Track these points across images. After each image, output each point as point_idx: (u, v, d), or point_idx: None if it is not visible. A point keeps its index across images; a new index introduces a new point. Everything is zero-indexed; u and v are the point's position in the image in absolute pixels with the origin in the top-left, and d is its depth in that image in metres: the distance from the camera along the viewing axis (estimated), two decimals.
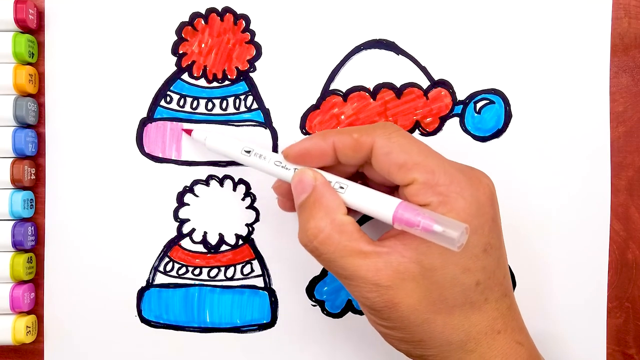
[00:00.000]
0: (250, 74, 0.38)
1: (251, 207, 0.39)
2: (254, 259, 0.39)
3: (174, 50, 0.38)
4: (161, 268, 0.39)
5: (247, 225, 0.39)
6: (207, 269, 0.39)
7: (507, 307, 0.31)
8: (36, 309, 0.39)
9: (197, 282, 0.39)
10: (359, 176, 0.35)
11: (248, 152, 0.34)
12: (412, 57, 0.38)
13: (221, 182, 0.39)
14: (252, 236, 0.39)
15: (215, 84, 0.38)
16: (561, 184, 0.38)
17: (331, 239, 0.29)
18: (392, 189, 0.34)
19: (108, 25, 0.38)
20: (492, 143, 0.38)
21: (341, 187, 0.31)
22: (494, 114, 0.38)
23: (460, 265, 0.29)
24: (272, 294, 0.39)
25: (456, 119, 0.38)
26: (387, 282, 0.29)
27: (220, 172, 0.38)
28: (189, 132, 0.37)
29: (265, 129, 0.38)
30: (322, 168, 0.32)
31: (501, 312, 0.30)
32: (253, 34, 0.38)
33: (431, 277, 0.29)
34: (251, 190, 0.38)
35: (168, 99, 0.38)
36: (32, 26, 0.37)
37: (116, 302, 0.39)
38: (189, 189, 0.39)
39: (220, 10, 0.38)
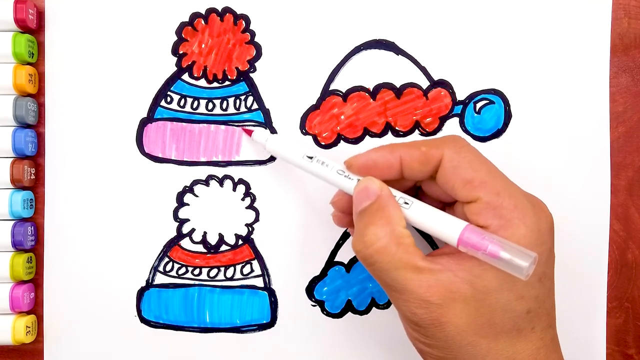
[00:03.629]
0: (251, 74, 0.38)
1: (251, 207, 0.39)
2: (253, 259, 0.39)
3: (174, 51, 0.38)
4: (161, 268, 0.39)
5: (247, 225, 0.39)
6: (207, 269, 0.39)
7: (550, 338, 0.30)
8: (36, 309, 0.39)
9: (196, 282, 0.39)
10: (412, 191, 0.34)
11: (310, 158, 0.33)
12: (412, 57, 0.38)
13: (221, 182, 0.39)
14: (252, 236, 0.39)
15: (215, 84, 0.38)
16: (561, 184, 0.38)
17: (388, 248, 0.29)
18: (445, 206, 0.33)
19: (108, 25, 0.38)
20: (492, 143, 0.38)
21: (406, 203, 0.30)
22: (494, 114, 0.38)
23: (515, 292, 0.28)
24: (271, 294, 0.39)
25: (456, 119, 0.38)
26: (438, 299, 0.28)
27: (220, 172, 0.39)
28: (249, 132, 0.37)
29: (265, 129, 0.38)
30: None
31: (545, 342, 0.30)
32: (253, 34, 0.38)
33: (483, 300, 0.28)
34: (251, 190, 0.38)
35: (168, 99, 0.38)
36: (32, 26, 0.37)
37: (116, 302, 0.38)
38: (189, 189, 0.39)
39: (220, 11, 0.38)
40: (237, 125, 0.38)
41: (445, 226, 0.29)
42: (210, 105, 0.38)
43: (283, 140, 0.35)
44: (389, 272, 0.29)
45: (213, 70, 0.38)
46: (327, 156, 0.38)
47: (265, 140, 0.36)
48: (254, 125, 0.38)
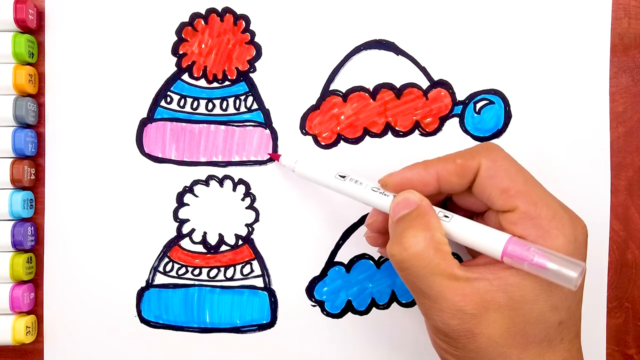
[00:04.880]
0: (251, 75, 0.38)
1: (251, 207, 0.39)
2: (253, 259, 0.39)
3: (174, 51, 0.38)
4: (161, 268, 0.39)
5: (246, 225, 0.39)
6: (207, 269, 0.39)
7: (577, 349, 0.30)
8: (36, 309, 0.39)
9: (196, 283, 0.39)
10: (441, 204, 0.34)
11: (343, 177, 0.33)
12: (412, 57, 0.38)
13: (221, 182, 0.39)
14: (252, 236, 0.39)
15: (215, 84, 0.38)
16: (561, 184, 0.38)
17: (425, 253, 0.28)
18: (473, 215, 0.33)
19: (108, 26, 0.38)
20: None
21: (446, 217, 0.30)
22: (494, 114, 0.38)
23: (550, 302, 0.28)
24: (271, 294, 0.39)
25: (456, 119, 0.38)
26: (473, 309, 0.28)
27: (220, 172, 0.38)
28: (276, 157, 0.37)
29: (265, 129, 0.38)
30: None
31: (572, 353, 0.30)
32: (253, 34, 0.38)
33: (518, 309, 0.28)
34: (251, 191, 0.38)
35: (168, 99, 0.38)
36: (32, 26, 0.37)
37: (116, 302, 0.38)
38: (189, 189, 0.39)
39: (220, 11, 0.38)
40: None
41: (488, 239, 0.29)
42: (210, 106, 0.38)
43: (312, 164, 0.35)
44: (425, 278, 0.28)
45: (213, 70, 0.38)
46: (326, 157, 0.38)
47: (294, 163, 0.36)
48: (252, 126, 0.38)
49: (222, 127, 0.38)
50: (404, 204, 0.30)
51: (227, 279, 0.39)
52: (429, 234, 0.29)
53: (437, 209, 0.31)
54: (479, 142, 0.38)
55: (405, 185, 0.31)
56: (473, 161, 0.30)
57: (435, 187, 0.31)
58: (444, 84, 0.38)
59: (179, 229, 0.39)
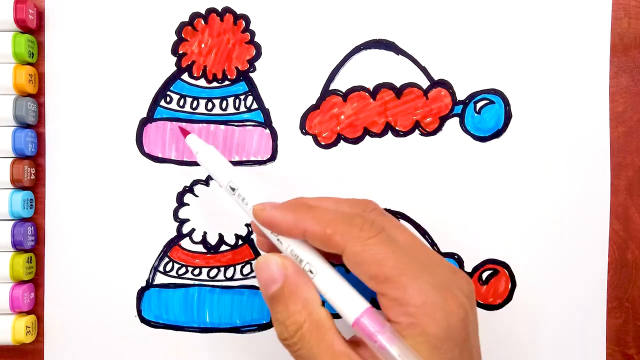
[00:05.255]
0: (250, 74, 0.38)
1: None
2: (253, 259, 0.39)
3: (174, 51, 0.38)
4: (161, 268, 0.39)
5: (246, 225, 0.39)
6: (207, 269, 0.39)
7: None
8: (36, 309, 0.39)
9: (196, 282, 0.39)
10: None
11: (233, 189, 0.32)
12: (412, 57, 0.38)
13: None
14: (252, 236, 0.39)
15: (215, 84, 0.38)
16: (561, 184, 0.38)
17: (310, 334, 0.28)
18: None
19: (108, 26, 0.38)
20: (492, 143, 0.38)
21: (310, 272, 0.29)
22: (494, 114, 0.38)
23: None
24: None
25: (456, 119, 0.38)
26: None
27: None
28: (185, 133, 0.35)
29: (265, 129, 0.38)
30: None
31: None
32: (253, 34, 0.38)
33: None
34: None
35: (168, 99, 0.38)
36: (32, 26, 0.37)
37: (116, 302, 0.39)
38: (189, 189, 0.39)
39: (220, 11, 0.38)
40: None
41: (345, 304, 0.28)
42: (210, 105, 0.38)
43: (213, 159, 0.34)
44: (313, 357, 0.28)
45: (213, 70, 0.38)
46: (326, 157, 0.38)
47: (196, 152, 0.34)
48: (251, 124, 0.38)
49: (222, 126, 0.38)
50: (270, 278, 0.29)
51: (227, 279, 0.39)
52: (307, 312, 0.28)
53: (306, 258, 0.29)
54: (479, 142, 0.38)
55: (272, 227, 0.30)
56: (341, 239, 0.28)
57: (303, 238, 0.30)
58: (444, 84, 0.38)
59: (179, 229, 0.39)
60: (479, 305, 0.39)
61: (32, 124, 0.38)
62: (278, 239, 0.30)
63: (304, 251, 0.30)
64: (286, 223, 0.29)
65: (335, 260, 0.30)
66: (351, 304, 0.28)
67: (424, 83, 0.38)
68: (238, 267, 0.39)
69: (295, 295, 0.29)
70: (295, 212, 0.30)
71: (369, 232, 0.28)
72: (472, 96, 0.38)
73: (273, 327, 0.38)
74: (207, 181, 0.39)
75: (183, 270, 0.39)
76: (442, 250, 0.39)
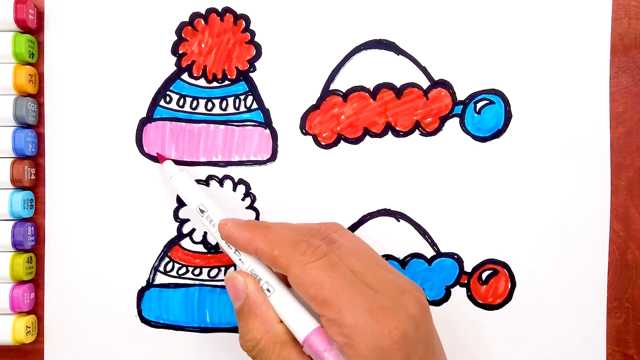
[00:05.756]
0: (250, 74, 0.38)
1: (251, 207, 0.39)
2: None
3: (174, 50, 0.38)
4: (161, 268, 0.39)
5: None
6: (207, 269, 0.39)
7: None
8: (36, 309, 0.39)
9: (197, 282, 0.39)
10: None
11: (202, 211, 0.34)
12: (412, 57, 0.38)
13: (221, 182, 0.39)
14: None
15: (215, 84, 0.38)
16: (561, 184, 0.38)
17: (267, 348, 0.31)
18: None
19: (108, 25, 0.38)
20: (492, 143, 0.38)
21: (268, 290, 0.32)
22: (494, 114, 0.38)
23: None
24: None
25: (456, 119, 0.38)
26: None
27: (220, 172, 0.38)
28: (162, 159, 0.37)
29: (265, 129, 0.38)
30: None
31: None
32: (253, 34, 0.38)
33: None
34: (251, 190, 0.38)
35: (168, 98, 0.38)
36: (32, 26, 0.37)
37: (116, 302, 0.39)
38: None
39: (220, 11, 0.38)
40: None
41: (297, 323, 0.30)
42: (210, 105, 0.38)
43: (187, 182, 0.36)
44: None
45: (213, 70, 0.38)
46: (326, 157, 0.38)
47: (170, 176, 0.36)
48: (251, 124, 0.38)
49: (222, 126, 0.38)
50: (234, 293, 0.32)
51: None
52: (264, 329, 0.31)
53: (265, 277, 0.32)
54: (479, 143, 0.38)
55: (231, 243, 0.33)
56: (285, 261, 0.30)
57: (256, 256, 0.32)
58: (444, 84, 0.38)
59: (179, 229, 0.39)
60: (479, 305, 0.39)
61: (32, 124, 0.38)
62: (240, 259, 0.33)
63: (263, 270, 0.32)
64: (242, 240, 0.32)
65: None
66: (302, 323, 0.30)
67: (424, 83, 0.38)
68: None
69: (253, 313, 0.31)
70: (251, 231, 0.32)
71: (310, 257, 0.30)
72: (472, 96, 0.38)
73: None
74: (207, 181, 0.39)
75: (183, 270, 0.39)
76: (442, 250, 0.39)
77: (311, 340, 0.30)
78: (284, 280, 0.32)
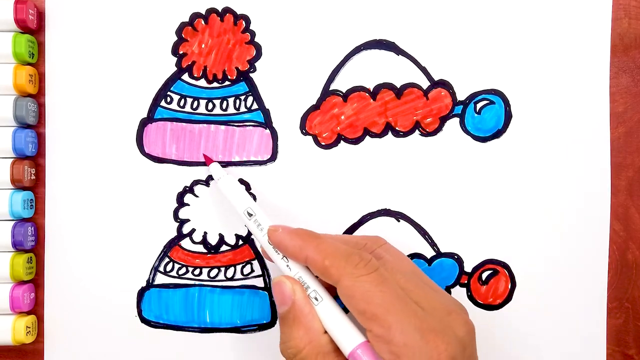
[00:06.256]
0: (251, 75, 0.38)
1: None
2: (254, 259, 0.39)
3: (174, 51, 0.38)
4: (161, 268, 0.39)
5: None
6: (207, 269, 0.39)
7: None
8: (36, 309, 0.39)
9: (197, 282, 0.39)
10: None
11: (250, 215, 0.34)
12: (412, 57, 0.38)
13: None
14: (252, 237, 0.39)
15: (215, 84, 0.38)
16: (561, 184, 0.38)
17: (309, 358, 0.30)
18: None
19: (108, 26, 0.38)
20: (492, 143, 0.38)
21: (316, 299, 0.31)
22: (494, 114, 0.38)
23: None
24: (272, 294, 0.39)
25: (456, 119, 0.38)
26: None
27: None
28: (209, 161, 0.37)
29: (265, 129, 0.38)
30: None
31: None
32: (253, 34, 0.38)
33: None
34: (251, 191, 0.38)
35: (168, 99, 0.38)
36: (32, 26, 0.37)
37: (116, 302, 0.39)
38: (189, 189, 0.39)
39: (220, 11, 0.38)
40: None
41: (343, 336, 0.30)
42: (210, 106, 0.38)
43: (233, 186, 0.35)
44: None
45: (213, 70, 0.38)
46: (326, 157, 0.38)
47: (218, 178, 0.36)
48: (251, 124, 0.38)
49: (222, 127, 0.38)
50: (281, 298, 0.32)
51: (228, 279, 0.39)
52: (308, 339, 0.30)
53: (312, 286, 0.32)
54: (479, 143, 0.38)
55: (281, 250, 0.33)
56: (336, 272, 0.30)
57: (305, 265, 0.32)
58: (444, 84, 0.38)
59: (179, 229, 0.39)
60: (479, 305, 0.39)
61: (32, 124, 0.38)
62: (287, 266, 0.32)
63: (311, 279, 0.32)
64: (292, 247, 0.32)
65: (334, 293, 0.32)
66: (349, 336, 0.30)
67: (424, 83, 0.38)
68: (238, 267, 0.39)
69: (298, 321, 0.31)
70: (302, 239, 0.32)
71: (362, 270, 0.30)
72: (472, 96, 0.38)
73: (273, 327, 0.39)
74: (207, 181, 0.39)
75: (183, 270, 0.39)
76: (442, 251, 0.39)
77: (357, 355, 0.29)
78: (330, 291, 0.32)
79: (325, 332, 0.31)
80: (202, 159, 0.38)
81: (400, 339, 0.28)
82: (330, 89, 0.38)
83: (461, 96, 0.38)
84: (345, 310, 0.31)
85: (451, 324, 0.30)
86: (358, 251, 0.31)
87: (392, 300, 0.29)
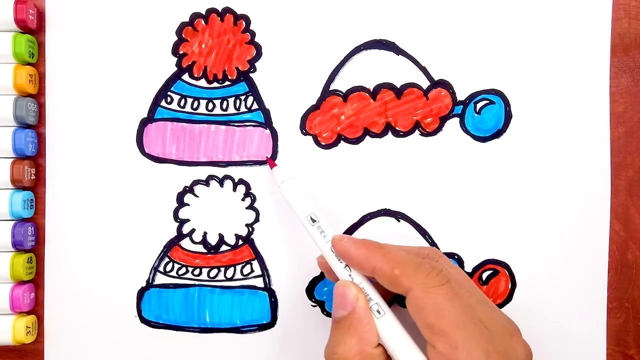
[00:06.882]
0: (251, 75, 0.38)
1: (251, 207, 0.39)
2: (253, 259, 0.39)
3: (175, 51, 0.38)
4: (161, 268, 0.39)
5: (247, 225, 0.39)
6: (207, 269, 0.39)
7: None
8: (36, 309, 0.39)
9: (197, 283, 0.39)
10: None
11: (314, 221, 0.34)
12: (412, 57, 0.38)
13: (221, 182, 0.39)
14: (252, 236, 0.39)
15: (215, 84, 0.39)
16: (561, 184, 0.38)
17: None
18: None
19: (108, 26, 0.38)
20: (492, 143, 0.38)
21: (378, 312, 0.31)
22: (494, 114, 0.38)
23: None
24: (271, 294, 0.39)
25: (456, 119, 0.38)
26: None
27: (220, 172, 0.39)
28: (272, 164, 0.37)
29: (266, 129, 0.38)
30: None
31: None
32: (253, 34, 0.38)
33: None
34: (251, 191, 0.39)
35: (168, 99, 0.38)
36: (32, 26, 0.37)
37: (116, 302, 0.39)
38: (189, 189, 0.39)
39: (220, 11, 0.38)
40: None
41: (404, 353, 0.29)
42: (211, 106, 0.38)
43: (296, 190, 0.35)
44: None
45: (213, 70, 0.38)
46: (326, 157, 0.38)
47: (282, 181, 0.36)
48: (251, 124, 0.38)
49: (223, 127, 0.38)
50: (342, 301, 0.31)
51: (227, 279, 0.39)
52: (359, 349, 0.30)
53: (375, 299, 0.31)
54: (479, 143, 0.38)
55: (345, 259, 0.32)
56: (407, 281, 0.29)
57: (372, 275, 0.31)
58: (444, 84, 0.38)
59: (179, 229, 0.39)
60: None
61: (32, 124, 0.38)
62: (350, 275, 0.32)
63: (373, 291, 0.31)
64: (358, 257, 0.31)
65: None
66: (410, 354, 0.29)
67: (424, 83, 0.38)
68: (238, 267, 0.39)
69: (354, 329, 0.30)
70: (369, 249, 0.31)
71: (435, 281, 0.29)
72: (472, 96, 0.38)
73: (272, 328, 0.39)
74: (207, 181, 0.39)
75: (183, 270, 0.39)
76: (443, 251, 0.39)
77: None
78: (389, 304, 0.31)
79: (377, 346, 0.30)
80: (202, 159, 0.38)
81: (466, 359, 0.27)
82: (330, 89, 0.38)
83: (461, 96, 0.38)
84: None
85: (514, 347, 0.29)
86: (427, 260, 0.31)
87: (463, 317, 0.28)
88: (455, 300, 0.29)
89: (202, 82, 0.38)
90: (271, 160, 0.38)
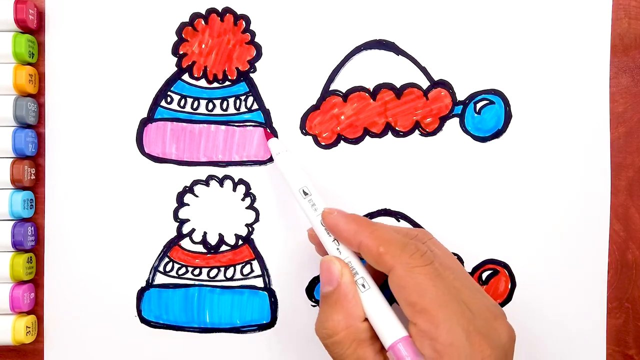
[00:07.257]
0: (251, 75, 0.38)
1: (251, 207, 0.39)
2: (253, 259, 0.39)
3: (175, 51, 0.38)
4: (161, 268, 0.39)
5: (247, 225, 0.39)
6: (207, 269, 0.39)
7: None
8: (36, 309, 0.39)
9: (196, 283, 0.39)
10: None
11: (306, 194, 0.34)
12: (412, 57, 0.38)
13: (221, 182, 0.39)
14: (252, 236, 0.39)
15: (215, 84, 0.39)
16: (561, 184, 0.38)
17: (343, 343, 0.30)
18: None
19: (108, 26, 0.38)
20: (492, 143, 0.38)
21: (363, 286, 0.31)
22: (494, 115, 0.38)
23: None
24: (271, 294, 0.39)
25: (456, 120, 0.38)
26: None
27: (220, 172, 0.39)
28: (268, 135, 0.37)
29: (266, 129, 0.38)
30: None
31: None
32: (253, 34, 0.38)
33: None
34: (251, 191, 0.38)
35: (168, 99, 0.38)
36: (32, 26, 0.37)
37: (116, 302, 0.38)
38: (189, 189, 0.39)
39: (220, 11, 0.38)
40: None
41: (386, 327, 0.30)
42: (211, 106, 0.38)
43: (292, 162, 0.35)
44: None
45: (213, 70, 0.38)
46: (326, 157, 0.38)
47: (277, 153, 0.36)
48: (252, 125, 0.38)
49: (223, 127, 0.38)
50: (327, 277, 0.31)
51: (227, 279, 0.39)
52: (346, 323, 0.30)
53: (360, 272, 0.31)
54: (479, 143, 0.38)
55: (334, 233, 0.32)
56: (390, 259, 0.30)
57: (358, 250, 0.31)
58: (444, 84, 0.38)
59: (179, 229, 0.39)
60: None
61: (32, 124, 0.38)
62: (338, 249, 0.32)
63: (359, 266, 0.32)
64: (347, 232, 0.31)
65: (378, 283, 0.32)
66: (392, 328, 0.30)
67: (424, 83, 0.38)
68: (238, 267, 0.39)
69: (340, 304, 0.31)
70: (358, 225, 0.31)
71: (418, 261, 0.30)
72: (472, 96, 0.38)
73: (272, 328, 0.39)
74: (207, 181, 0.39)
75: (183, 270, 0.39)
76: None
77: (398, 348, 0.29)
78: (376, 280, 0.32)
79: (364, 320, 0.30)
80: (203, 159, 0.38)
81: (447, 338, 0.28)
82: (330, 89, 0.38)
83: (461, 96, 0.38)
84: (389, 301, 0.31)
85: (497, 329, 0.29)
86: (414, 241, 0.31)
87: (445, 296, 0.29)
88: (437, 281, 0.29)
89: (202, 82, 0.38)
90: (267, 131, 0.38)
